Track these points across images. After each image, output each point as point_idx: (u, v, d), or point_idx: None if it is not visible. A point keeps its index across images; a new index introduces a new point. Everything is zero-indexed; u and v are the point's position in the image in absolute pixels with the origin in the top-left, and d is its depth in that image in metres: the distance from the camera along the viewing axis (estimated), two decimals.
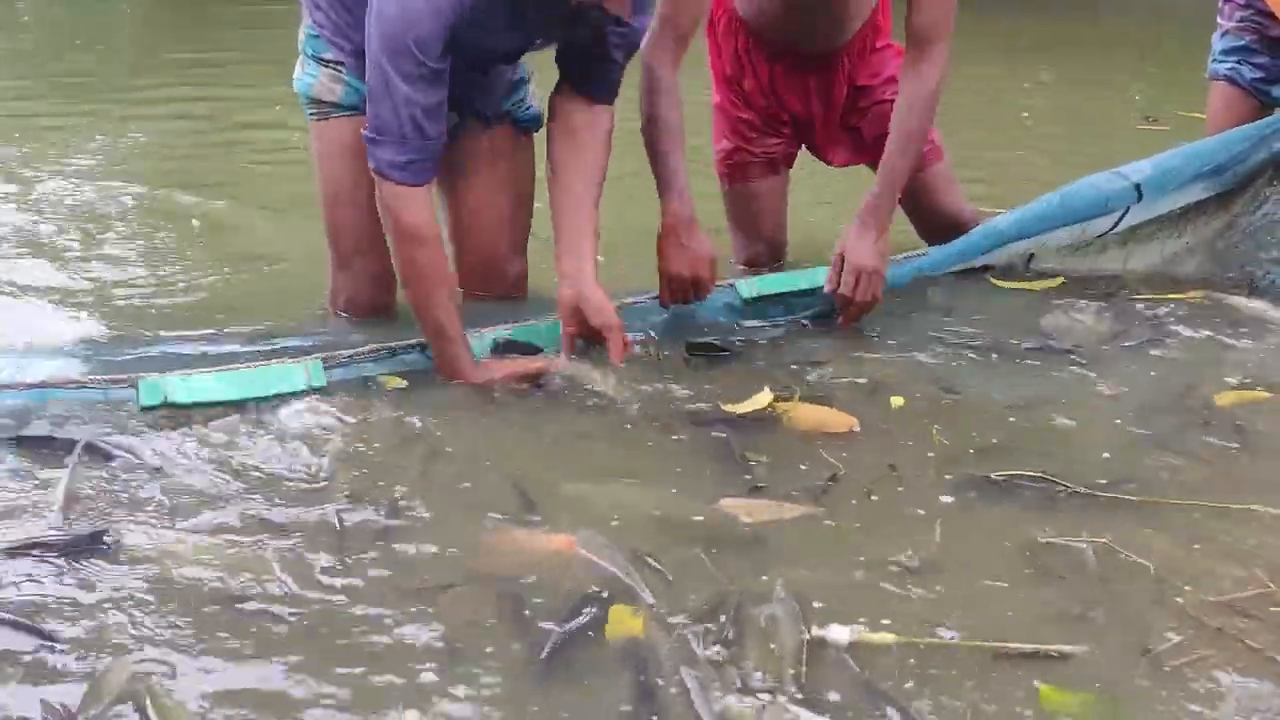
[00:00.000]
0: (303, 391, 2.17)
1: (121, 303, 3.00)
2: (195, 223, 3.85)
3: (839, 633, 1.48)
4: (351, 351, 2.32)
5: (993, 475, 1.92)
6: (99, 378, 2.13)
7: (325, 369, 2.23)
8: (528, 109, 2.66)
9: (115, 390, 2.10)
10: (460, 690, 1.40)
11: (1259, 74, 3.30)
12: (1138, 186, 2.94)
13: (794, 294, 2.69)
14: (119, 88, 6.36)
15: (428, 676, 1.42)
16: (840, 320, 2.60)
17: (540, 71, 2.66)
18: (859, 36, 2.87)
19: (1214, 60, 3.41)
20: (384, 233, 2.54)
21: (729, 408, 2.16)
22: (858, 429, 2.10)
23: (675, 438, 2.09)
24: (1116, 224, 2.99)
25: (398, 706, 1.35)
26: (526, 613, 1.55)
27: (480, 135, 2.61)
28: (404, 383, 2.20)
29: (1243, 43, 3.32)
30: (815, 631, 1.48)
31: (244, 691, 1.39)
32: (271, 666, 1.44)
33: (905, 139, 2.59)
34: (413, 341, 2.38)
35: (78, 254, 3.43)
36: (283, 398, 2.14)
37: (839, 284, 2.55)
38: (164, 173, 4.52)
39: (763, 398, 2.17)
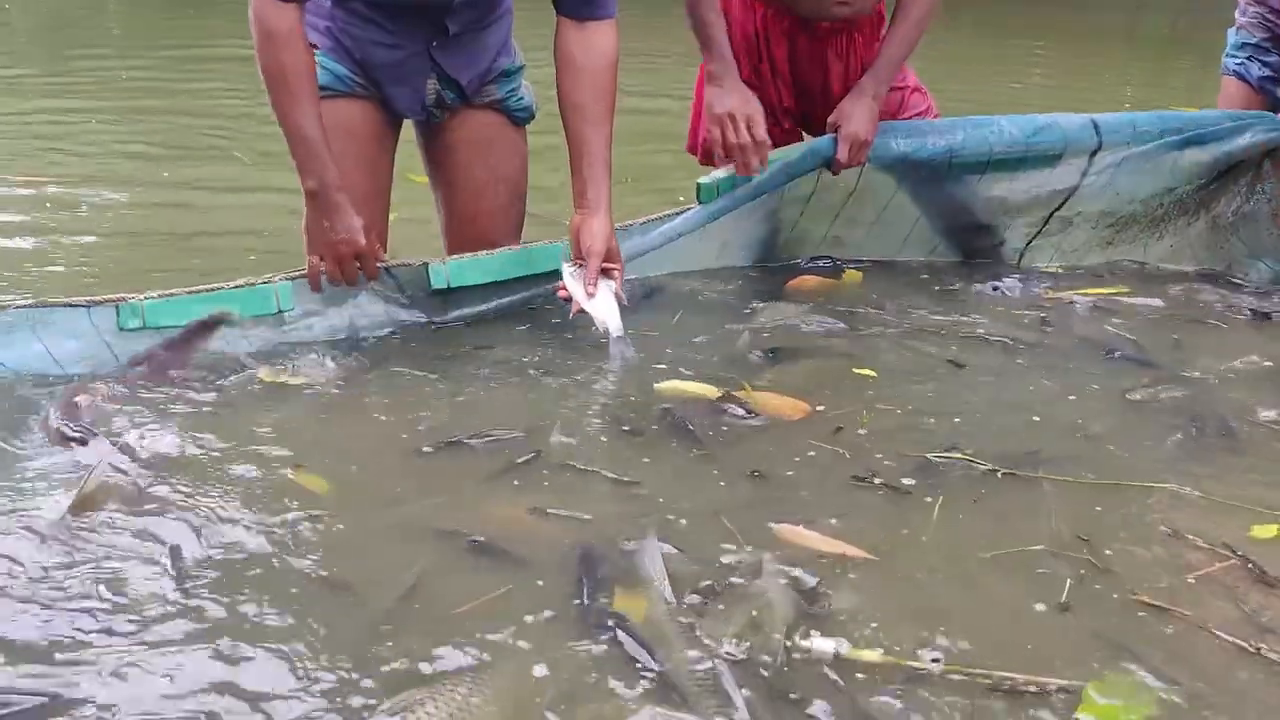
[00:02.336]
0: (273, 313, 2.27)
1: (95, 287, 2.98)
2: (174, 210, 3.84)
3: (824, 644, 1.43)
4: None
5: (930, 456, 1.92)
6: (83, 299, 2.18)
7: (292, 281, 2.30)
8: (520, 99, 2.62)
9: (98, 310, 2.15)
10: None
11: (1267, 72, 3.28)
12: (1094, 123, 2.92)
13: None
14: (107, 78, 6.33)
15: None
16: (834, 170, 2.79)
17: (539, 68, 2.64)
18: (870, 13, 2.86)
19: (1226, 55, 3.39)
20: (371, 213, 2.48)
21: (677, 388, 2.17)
22: (817, 408, 2.08)
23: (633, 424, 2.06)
24: (1083, 175, 2.96)
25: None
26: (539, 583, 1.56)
27: (470, 123, 2.57)
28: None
29: (1254, 40, 3.31)
30: (800, 640, 1.44)
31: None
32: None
33: (908, 26, 2.76)
34: (380, 264, 2.37)
35: (62, 238, 3.41)
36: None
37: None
38: (148, 159, 4.51)
39: (703, 389, 2.16)
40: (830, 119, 2.76)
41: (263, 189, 4.23)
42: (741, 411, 2.08)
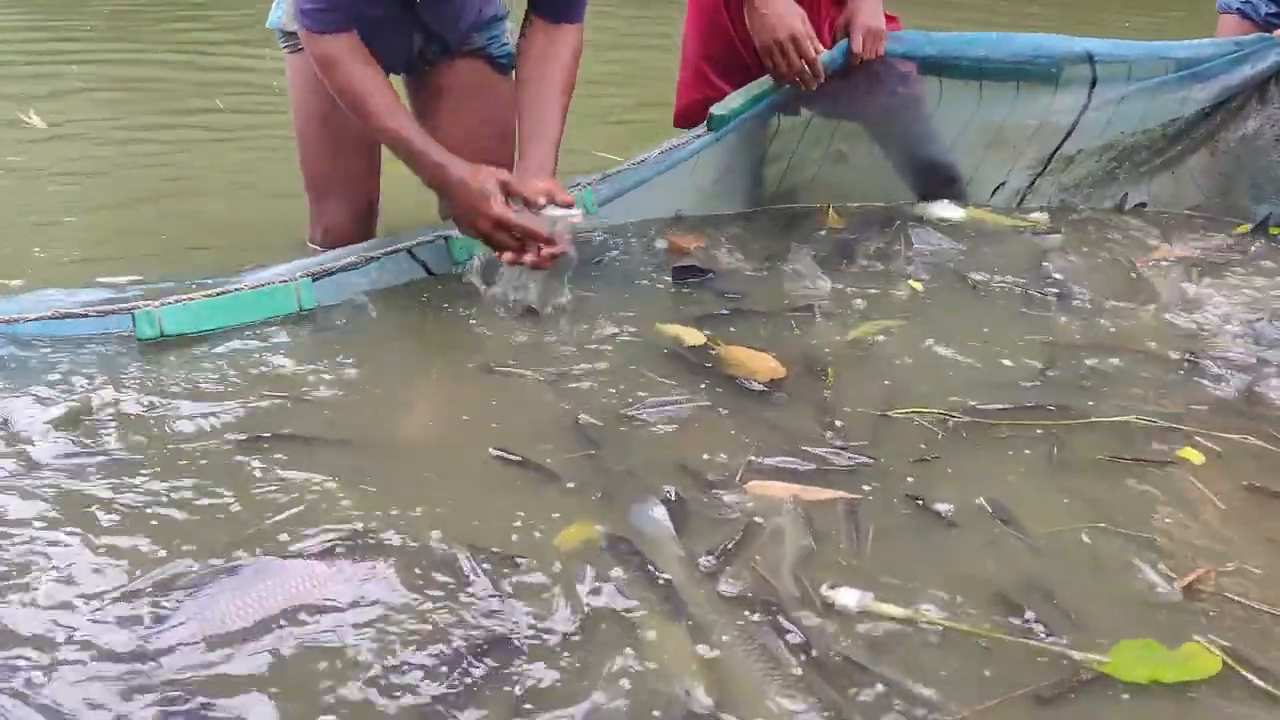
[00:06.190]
0: (294, 313, 2.17)
1: (101, 244, 2.94)
2: (173, 162, 3.79)
3: (848, 597, 1.43)
4: (340, 264, 2.27)
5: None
6: (96, 309, 2.10)
7: (314, 280, 2.21)
8: (503, 45, 2.62)
9: (113, 320, 2.08)
10: None
11: (1274, 9, 3.22)
12: (1089, 53, 2.90)
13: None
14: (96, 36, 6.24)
15: None
16: (852, 61, 2.78)
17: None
18: None
19: None
20: (360, 162, 2.57)
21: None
22: (787, 375, 2.04)
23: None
24: (1080, 113, 2.94)
25: None
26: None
27: (455, 70, 2.56)
28: None
29: None
30: (825, 592, 1.44)
31: None
32: None
33: None
34: (400, 246, 2.34)
35: (62, 199, 3.35)
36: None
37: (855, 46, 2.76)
38: (144, 116, 4.44)
39: (694, 335, 2.16)
40: (840, 20, 2.81)
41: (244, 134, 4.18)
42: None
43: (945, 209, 2.92)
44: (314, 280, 2.21)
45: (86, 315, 2.07)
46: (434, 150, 2.22)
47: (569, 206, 2.20)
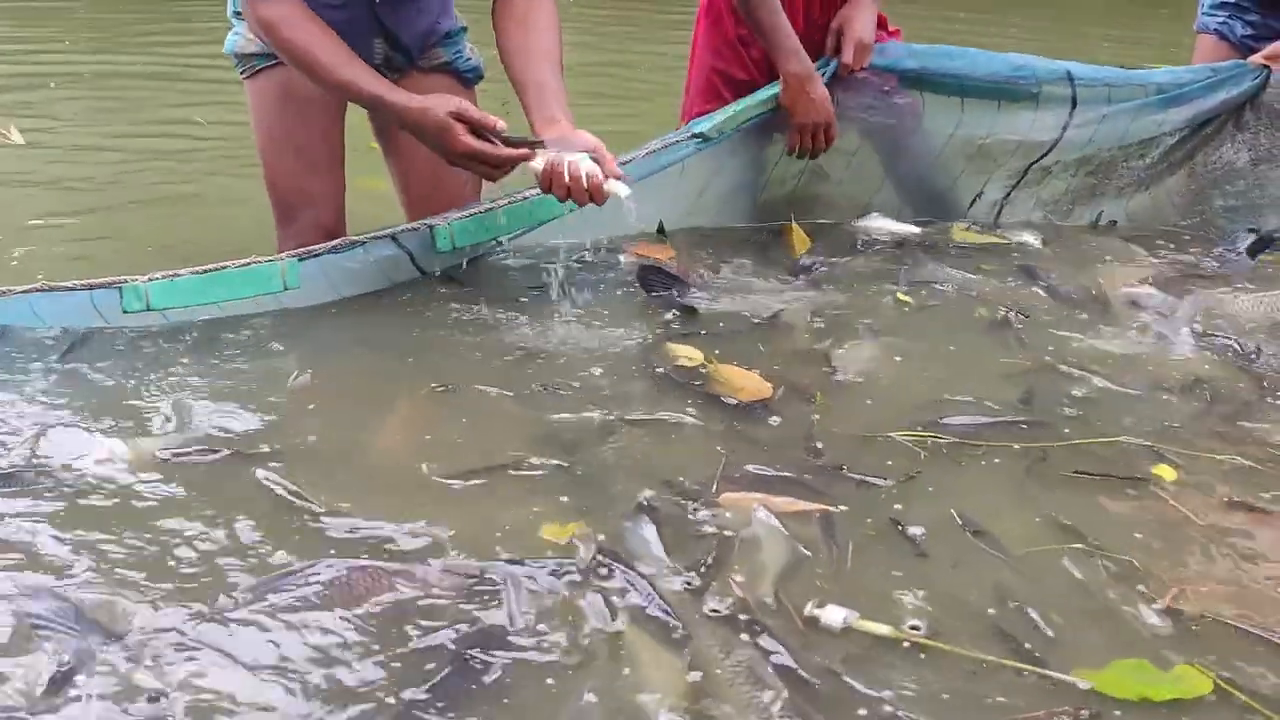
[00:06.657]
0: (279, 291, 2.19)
1: (81, 253, 2.93)
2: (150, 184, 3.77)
3: (833, 615, 1.41)
4: (325, 246, 2.28)
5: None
6: (83, 282, 2.10)
7: (300, 261, 2.21)
8: (468, 60, 2.62)
9: (100, 294, 2.08)
10: None
11: (1249, 31, 3.27)
12: (1069, 73, 2.93)
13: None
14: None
15: None
16: (841, 74, 2.84)
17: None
18: None
19: (1204, 13, 3.38)
20: (326, 182, 2.55)
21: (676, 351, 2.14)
22: (773, 394, 2.00)
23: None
24: (1062, 131, 2.95)
25: None
26: None
27: (420, 85, 2.51)
28: None
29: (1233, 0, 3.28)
30: (810, 610, 1.42)
31: None
32: None
33: None
34: (385, 233, 2.33)
35: (42, 208, 3.33)
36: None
37: (838, 53, 2.81)
38: (126, 126, 4.43)
39: (693, 353, 2.14)
40: (833, 24, 2.84)
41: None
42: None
43: (900, 226, 2.92)
44: (300, 261, 2.21)
45: (74, 289, 2.06)
46: (395, 94, 2.19)
47: (620, 179, 2.17)
